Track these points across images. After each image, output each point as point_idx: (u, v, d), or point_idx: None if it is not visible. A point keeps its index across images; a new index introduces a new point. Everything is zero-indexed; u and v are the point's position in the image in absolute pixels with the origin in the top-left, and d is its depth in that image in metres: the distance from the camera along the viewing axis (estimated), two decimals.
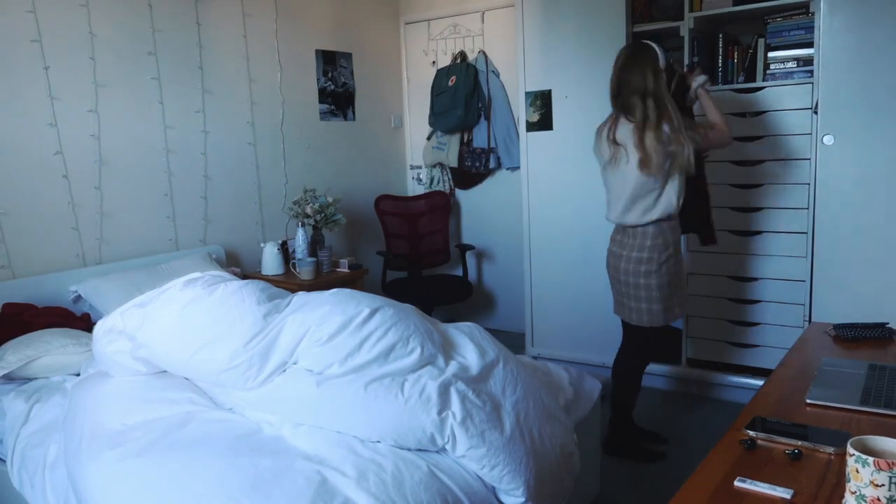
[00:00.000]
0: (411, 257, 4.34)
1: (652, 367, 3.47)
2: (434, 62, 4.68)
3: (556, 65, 3.57)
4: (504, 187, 4.53)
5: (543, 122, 3.66)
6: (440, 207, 4.43)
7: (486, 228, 4.68)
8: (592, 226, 3.58)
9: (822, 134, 2.91)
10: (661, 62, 2.50)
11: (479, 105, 4.44)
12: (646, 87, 2.46)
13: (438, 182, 4.74)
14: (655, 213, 2.53)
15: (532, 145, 3.73)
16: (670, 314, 2.65)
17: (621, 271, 2.65)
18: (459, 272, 4.43)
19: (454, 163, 4.57)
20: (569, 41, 3.51)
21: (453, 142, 4.56)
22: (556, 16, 3.53)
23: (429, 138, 4.73)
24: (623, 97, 2.53)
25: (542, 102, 3.65)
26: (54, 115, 2.90)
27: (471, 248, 4.47)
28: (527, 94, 3.69)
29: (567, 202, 3.65)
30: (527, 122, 3.72)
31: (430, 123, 4.63)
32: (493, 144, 4.48)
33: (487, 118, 4.46)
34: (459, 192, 4.76)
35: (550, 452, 1.84)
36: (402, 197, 4.56)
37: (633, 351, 2.80)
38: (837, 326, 1.95)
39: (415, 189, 4.92)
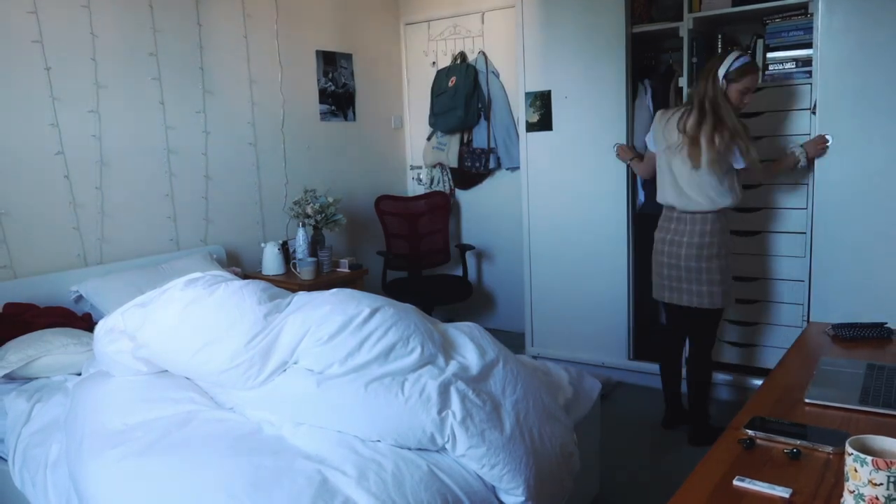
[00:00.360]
0: (411, 257, 4.35)
1: (651, 367, 3.48)
2: (434, 63, 4.68)
3: (556, 65, 3.58)
4: (504, 187, 4.53)
5: (543, 123, 3.67)
6: (440, 207, 4.44)
7: (486, 228, 4.69)
8: (592, 226, 3.59)
9: (821, 134, 2.91)
10: (724, 70, 2.64)
11: (479, 105, 4.45)
12: (705, 92, 2.66)
13: (438, 182, 4.74)
14: (719, 202, 2.72)
15: (532, 145, 3.74)
16: (728, 298, 2.81)
17: (682, 257, 2.78)
18: (459, 272, 4.44)
19: (454, 163, 4.58)
20: (569, 41, 3.51)
21: (453, 142, 4.57)
22: (556, 16, 3.53)
23: (429, 139, 4.74)
24: (695, 97, 2.73)
25: (541, 103, 3.65)
26: (55, 116, 2.91)
27: (471, 248, 4.47)
28: (527, 94, 3.70)
29: (567, 202, 3.66)
30: (526, 122, 3.72)
31: (431, 124, 4.63)
32: (492, 145, 4.48)
33: (487, 118, 4.47)
34: (459, 193, 4.76)
35: (550, 452, 1.85)
36: (403, 197, 4.56)
37: (699, 338, 2.90)
38: (836, 326, 1.96)
39: (415, 189, 4.93)
